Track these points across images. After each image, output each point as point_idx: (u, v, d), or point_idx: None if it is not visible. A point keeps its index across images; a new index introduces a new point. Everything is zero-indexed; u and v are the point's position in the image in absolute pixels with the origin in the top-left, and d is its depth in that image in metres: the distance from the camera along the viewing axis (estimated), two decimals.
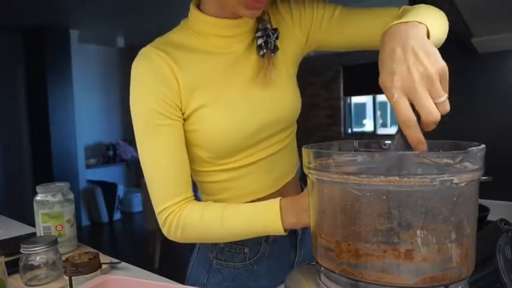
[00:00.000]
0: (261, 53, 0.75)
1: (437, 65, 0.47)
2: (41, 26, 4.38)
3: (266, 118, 0.75)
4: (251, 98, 0.74)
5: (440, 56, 0.49)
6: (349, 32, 0.77)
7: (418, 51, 0.48)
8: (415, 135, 0.46)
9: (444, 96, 0.47)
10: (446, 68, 0.47)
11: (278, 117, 0.76)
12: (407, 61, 0.47)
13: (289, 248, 0.85)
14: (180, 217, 0.71)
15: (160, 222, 0.73)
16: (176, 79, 0.70)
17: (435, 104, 0.46)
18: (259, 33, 0.75)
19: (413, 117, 0.46)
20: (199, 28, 0.75)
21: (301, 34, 0.81)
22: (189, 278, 0.87)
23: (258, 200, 0.77)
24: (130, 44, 5.49)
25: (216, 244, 0.82)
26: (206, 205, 0.72)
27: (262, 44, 0.74)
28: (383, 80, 0.49)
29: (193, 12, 0.76)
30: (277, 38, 0.76)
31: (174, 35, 0.76)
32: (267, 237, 0.81)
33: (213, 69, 0.74)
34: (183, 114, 0.73)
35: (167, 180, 0.71)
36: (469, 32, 1.48)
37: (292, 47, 0.81)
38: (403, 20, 0.54)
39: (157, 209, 0.72)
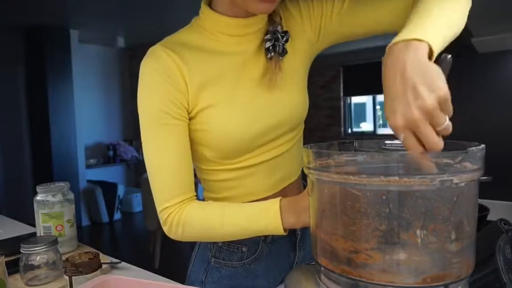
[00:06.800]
0: (269, 56, 0.74)
1: (437, 92, 0.46)
2: (41, 26, 4.37)
3: (272, 120, 0.74)
4: (258, 100, 0.74)
5: (440, 78, 0.47)
6: (360, 21, 0.75)
7: (417, 84, 0.46)
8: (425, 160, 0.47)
9: (445, 123, 0.46)
10: (446, 91, 0.46)
11: (284, 119, 0.76)
12: (407, 97, 0.46)
13: (288, 248, 0.85)
14: (181, 216, 0.71)
15: (161, 220, 0.73)
16: (184, 79, 0.70)
17: (438, 131, 0.46)
18: (268, 36, 0.74)
19: (421, 148, 0.46)
20: (210, 27, 0.74)
21: (311, 31, 0.79)
22: (189, 276, 0.87)
23: (260, 200, 0.77)
24: (130, 44, 5.49)
25: (214, 243, 0.82)
26: (207, 204, 0.73)
27: (270, 47, 0.74)
28: (387, 116, 0.49)
29: (204, 10, 0.75)
30: (286, 41, 0.74)
31: (184, 34, 0.75)
32: (266, 237, 0.81)
33: (222, 70, 0.73)
34: (189, 113, 0.72)
35: (170, 180, 0.71)
36: (469, 32, 1.48)
37: (303, 47, 0.80)
38: (403, 37, 0.51)
39: (159, 207, 0.72)
